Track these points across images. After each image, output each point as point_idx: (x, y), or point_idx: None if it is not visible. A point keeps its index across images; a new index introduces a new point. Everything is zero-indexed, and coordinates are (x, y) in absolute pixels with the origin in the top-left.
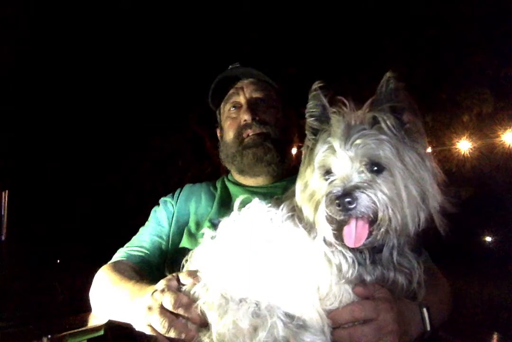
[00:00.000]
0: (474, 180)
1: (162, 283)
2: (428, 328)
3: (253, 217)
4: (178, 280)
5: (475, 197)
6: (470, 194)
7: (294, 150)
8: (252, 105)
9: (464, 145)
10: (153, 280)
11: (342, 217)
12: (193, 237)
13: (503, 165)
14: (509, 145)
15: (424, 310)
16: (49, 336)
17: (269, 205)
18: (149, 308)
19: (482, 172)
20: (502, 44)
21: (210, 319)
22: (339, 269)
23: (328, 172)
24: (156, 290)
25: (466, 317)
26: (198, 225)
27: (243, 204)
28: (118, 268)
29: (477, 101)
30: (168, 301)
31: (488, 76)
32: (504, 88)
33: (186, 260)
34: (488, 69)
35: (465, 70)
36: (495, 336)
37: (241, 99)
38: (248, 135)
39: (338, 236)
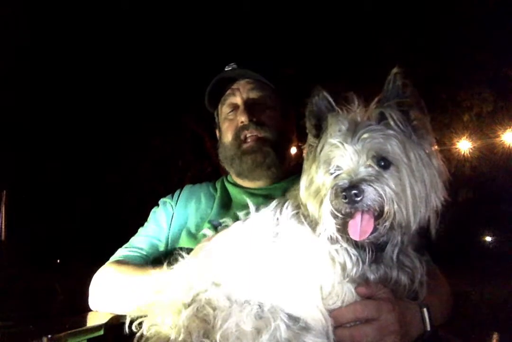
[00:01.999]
0: (474, 180)
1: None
2: (428, 328)
3: (258, 217)
4: None
5: (475, 197)
6: (470, 194)
7: (293, 150)
8: (249, 106)
9: (464, 145)
10: None
11: (348, 210)
12: (192, 237)
13: (503, 165)
14: (509, 145)
15: (425, 310)
16: (49, 336)
17: (273, 204)
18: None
19: (482, 171)
20: (502, 44)
21: (215, 322)
22: (343, 267)
23: (333, 167)
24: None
25: (466, 317)
26: (198, 226)
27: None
28: (126, 263)
29: (477, 101)
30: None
31: (488, 76)
32: (504, 88)
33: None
34: (488, 69)
35: (465, 70)
36: (495, 336)
37: (238, 100)
38: (246, 138)
39: (343, 231)
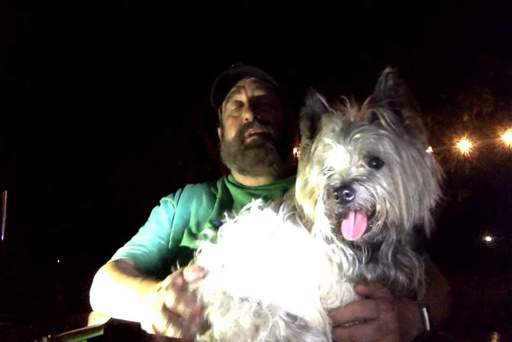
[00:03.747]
0: (474, 180)
1: (167, 280)
2: (428, 328)
3: (255, 217)
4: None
5: (475, 197)
6: (470, 194)
7: (294, 151)
8: (254, 104)
9: (464, 145)
10: (156, 279)
11: (340, 210)
12: (193, 237)
13: (503, 165)
14: (509, 145)
15: (424, 310)
16: (49, 336)
17: (270, 205)
18: (154, 306)
19: (482, 171)
20: (502, 43)
21: (212, 317)
22: (340, 267)
23: (327, 168)
24: (161, 287)
25: (466, 317)
26: (199, 226)
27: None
28: (121, 266)
29: (477, 101)
30: (170, 298)
31: (488, 76)
32: (504, 88)
33: (193, 261)
34: (489, 69)
35: (465, 70)
36: (495, 336)
37: (243, 97)
38: (249, 135)
39: (337, 230)
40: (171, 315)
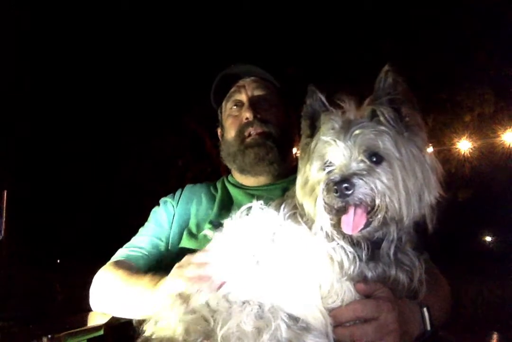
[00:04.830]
0: (474, 180)
1: (184, 258)
2: (429, 327)
3: (256, 217)
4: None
5: (475, 197)
6: (470, 193)
7: (294, 150)
8: (254, 104)
9: (464, 145)
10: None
11: (340, 204)
12: (193, 238)
13: (503, 165)
14: (509, 145)
15: (425, 310)
16: (49, 336)
17: (271, 205)
18: (179, 266)
19: (482, 171)
20: (503, 44)
21: (214, 324)
22: (341, 265)
23: (326, 163)
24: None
25: (466, 317)
26: (199, 227)
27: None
28: (125, 265)
29: (478, 102)
30: (198, 256)
31: (489, 76)
32: (505, 88)
33: None
34: (489, 69)
35: (466, 70)
36: (495, 336)
37: (243, 97)
38: (249, 134)
39: (337, 226)
40: (199, 268)
